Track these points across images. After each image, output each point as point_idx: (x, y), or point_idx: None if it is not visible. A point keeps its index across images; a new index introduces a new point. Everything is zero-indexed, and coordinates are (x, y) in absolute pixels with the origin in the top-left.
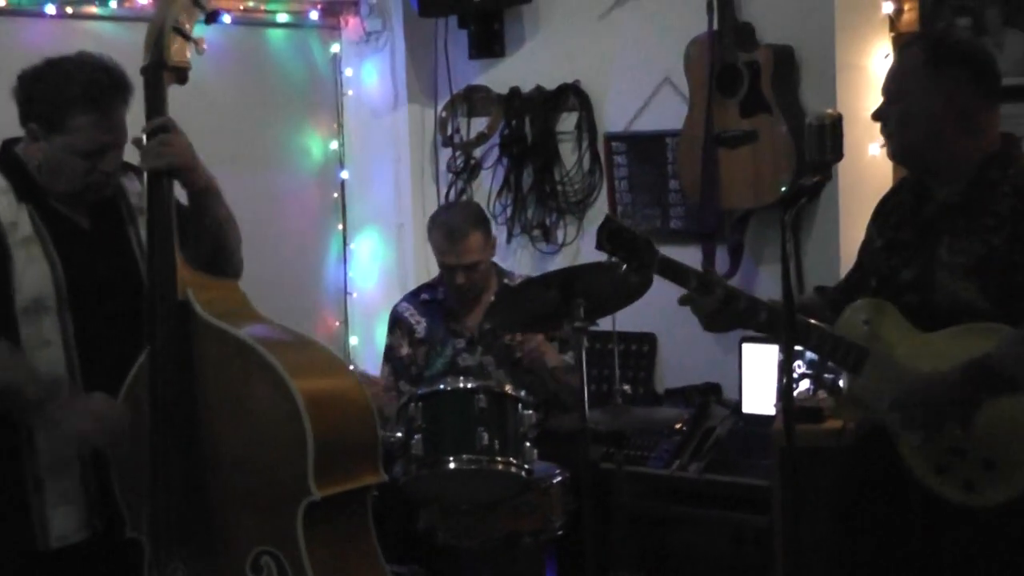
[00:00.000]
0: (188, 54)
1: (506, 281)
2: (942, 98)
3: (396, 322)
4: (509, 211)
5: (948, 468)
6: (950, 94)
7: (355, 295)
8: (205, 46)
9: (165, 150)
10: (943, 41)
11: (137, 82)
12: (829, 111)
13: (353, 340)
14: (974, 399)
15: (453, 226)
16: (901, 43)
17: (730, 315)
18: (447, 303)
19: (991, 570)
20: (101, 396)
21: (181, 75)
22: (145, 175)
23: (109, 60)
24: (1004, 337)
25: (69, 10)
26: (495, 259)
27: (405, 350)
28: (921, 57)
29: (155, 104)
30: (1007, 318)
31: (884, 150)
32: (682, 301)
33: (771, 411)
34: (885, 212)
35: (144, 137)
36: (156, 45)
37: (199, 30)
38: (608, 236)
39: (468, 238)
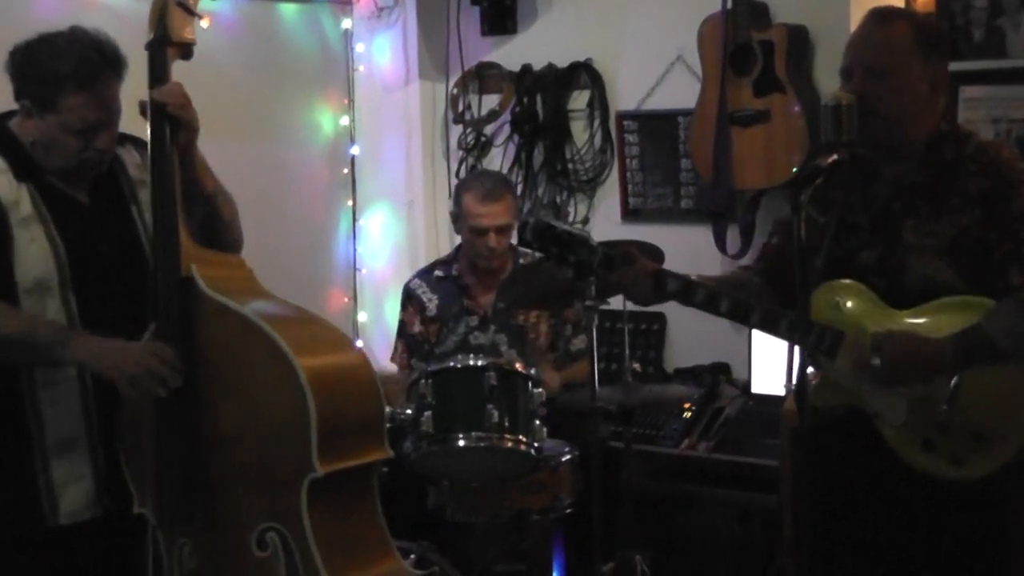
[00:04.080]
0: (193, 29)
1: (521, 261)
2: (927, 80)
3: (408, 299)
4: (520, 189)
5: (934, 444)
6: (934, 78)
7: (364, 271)
8: (208, 23)
9: (194, 112)
10: (927, 23)
11: (142, 55)
12: (845, 92)
13: (362, 316)
14: (960, 369)
15: (488, 188)
16: (874, 15)
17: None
18: (461, 280)
19: (974, 537)
20: (125, 343)
21: (186, 51)
22: (147, 147)
23: (102, 35)
24: (993, 310)
25: None
26: None
27: (417, 327)
28: (910, 35)
29: (159, 80)
30: (982, 295)
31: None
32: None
33: (780, 391)
34: (822, 188)
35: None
36: (160, 21)
37: (209, 5)
38: (534, 233)
39: (502, 199)
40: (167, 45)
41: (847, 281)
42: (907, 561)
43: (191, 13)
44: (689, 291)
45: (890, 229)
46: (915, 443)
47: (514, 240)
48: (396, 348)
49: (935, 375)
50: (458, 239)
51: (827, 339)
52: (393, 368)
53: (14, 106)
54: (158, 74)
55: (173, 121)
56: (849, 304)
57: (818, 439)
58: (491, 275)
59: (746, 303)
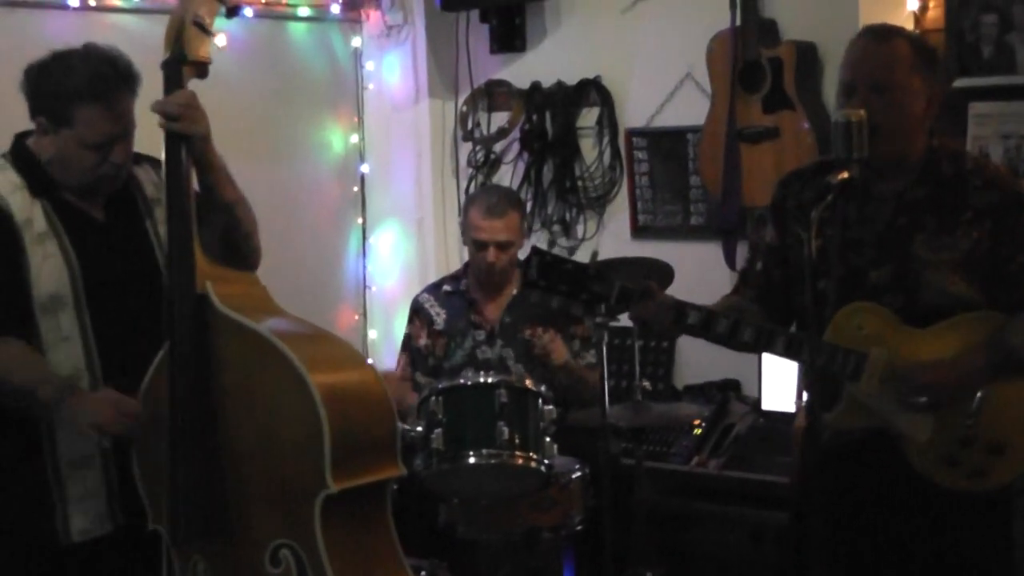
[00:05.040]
0: (209, 48)
1: None
2: (925, 97)
3: (416, 312)
4: (529, 206)
5: (957, 459)
6: (931, 95)
7: (374, 289)
8: (224, 43)
9: (200, 117)
10: (922, 41)
11: (155, 74)
12: (855, 109)
13: (372, 334)
14: (991, 380)
15: (492, 202)
16: (871, 32)
17: (693, 332)
18: (469, 295)
19: (983, 545)
20: (108, 390)
21: (201, 70)
22: (163, 166)
23: (115, 51)
24: (1017, 320)
25: (92, 2)
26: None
27: (423, 340)
28: (909, 52)
29: None
30: (999, 308)
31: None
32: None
33: (791, 408)
34: (808, 208)
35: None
36: (176, 40)
37: (220, 24)
38: (540, 271)
39: (506, 215)
40: (183, 64)
41: (866, 303)
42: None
43: (207, 32)
44: (710, 322)
45: (899, 246)
46: (939, 460)
47: (523, 253)
48: (399, 361)
49: (970, 391)
50: (467, 255)
51: (851, 363)
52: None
53: (30, 125)
54: (174, 92)
55: (183, 137)
56: (870, 326)
57: (837, 461)
58: (497, 289)
59: (770, 330)
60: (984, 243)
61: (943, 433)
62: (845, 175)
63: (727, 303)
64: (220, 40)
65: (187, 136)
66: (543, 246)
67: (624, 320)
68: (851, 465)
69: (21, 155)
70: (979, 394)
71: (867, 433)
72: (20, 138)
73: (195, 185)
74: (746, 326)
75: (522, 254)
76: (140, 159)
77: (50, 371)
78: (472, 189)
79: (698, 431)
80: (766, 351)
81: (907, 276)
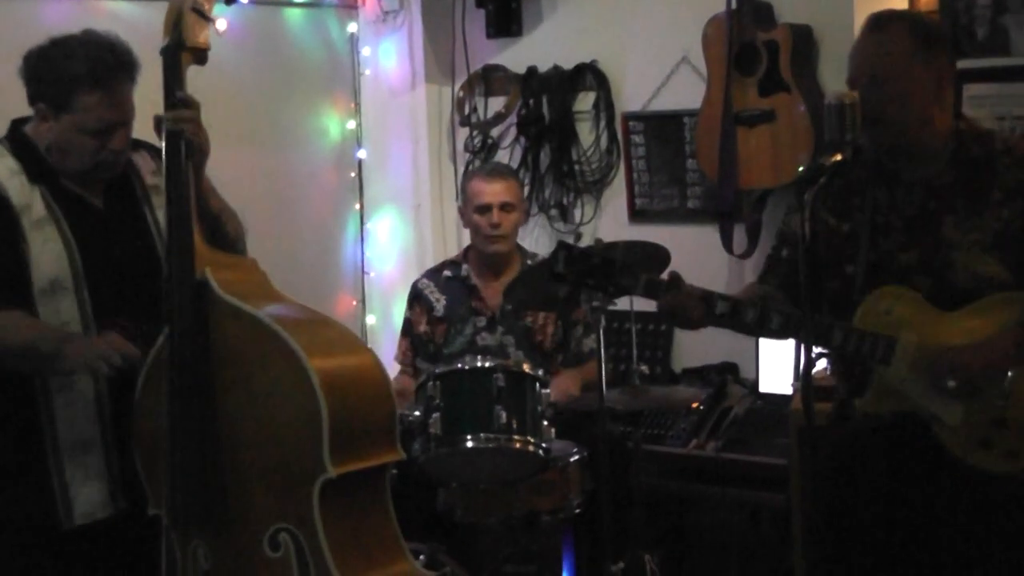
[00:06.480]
0: (208, 35)
1: (529, 262)
2: (933, 80)
3: (416, 298)
4: (527, 191)
5: (991, 441)
6: (939, 76)
7: (372, 275)
8: (224, 27)
9: (204, 133)
10: (924, 21)
11: (153, 61)
12: (849, 91)
13: (370, 319)
14: (1022, 362)
15: (491, 167)
16: (870, 22)
17: (721, 323)
18: (469, 281)
19: (1019, 528)
20: (108, 332)
21: (200, 56)
22: (163, 154)
23: (115, 37)
24: None
25: None
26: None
27: (423, 327)
28: (908, 37)
29: (174, 85)
30: None
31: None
32: (661, 310)
33: (788, 390)
34: (836, 195)
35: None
36: (175, 26)
37: (219, 10)
38: (566, 264)
39: (505, 178)
40: (182, 50)
41: (894, 287)
42: (961, 561)
43: (206, 19)
44: (739, 311)
45: (928, 229)
46: (972, 441)
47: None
48: (400, 346)
49: (1000, 373)
50: (467, 240)
51: (881, 347)
52: (396, 368)
53: (29, 112)
54: (174, 81)
55: (187, 141)
56: (899, 310)
57: (866, 444)
58: (499, 275)
59: (797, 317)
60: (1016, 223)
61: (975, 415)
62: (838, 157)
63: (752, 291)
64: (220, 24)
65: (195, 147)
66: (540, 232)
67: (621, 304)
68: (883, 447)
69: (19, 141)
70: (1010, 374)
71: (898, 416)
72: (17, 124)
73: None
74: (774, 314)
75: (522, 232)
76: (138, 145)
77: (47, 325)
78: None
79: (696, 414)
80: (794, 338)
81: (936, 258)
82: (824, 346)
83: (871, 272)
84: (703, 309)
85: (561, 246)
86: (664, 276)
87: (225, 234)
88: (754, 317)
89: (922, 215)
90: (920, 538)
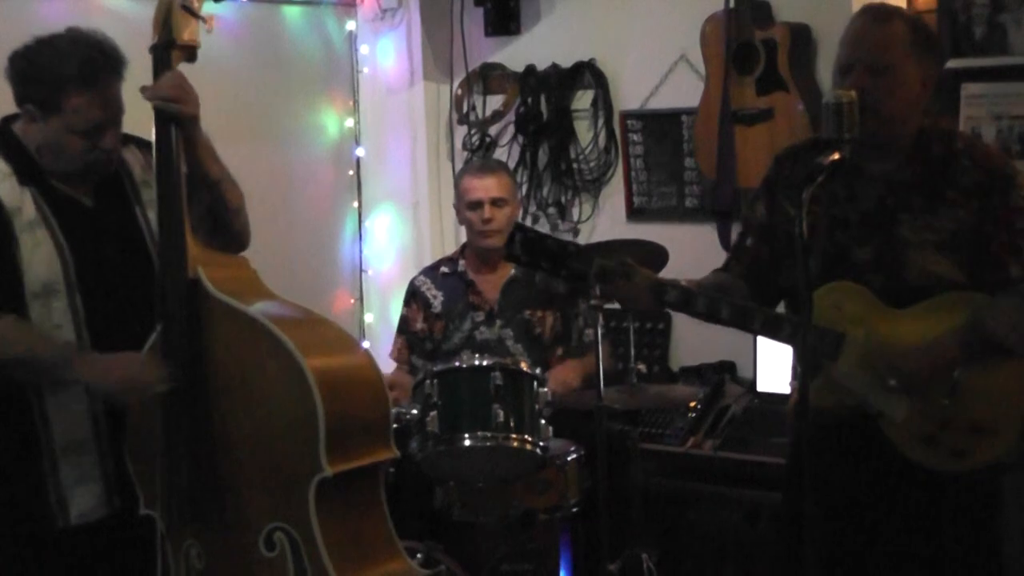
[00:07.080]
0: (197, 32)
1: None
2: (920, 80)
3: (413, 295)
4: (525, 189)
5: (936, 439)
6: (927, 77)
7: (370, 272)
8: (214, 24)
9: (191, 97)
10: (921, 22)
11: (144, 60)
12: (847, 90)
13: (368, 317)
14: (967, 363)
15: (481, 163)
16: (870, 12)
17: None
18: (466, 276)
19: (971, 529)
20: (126, 354)
21: (190, 53)
22: (152, 148)
23: (101, 35)
24: (994, 304)
25: None
26: None
27: (420, 324)
28: (907, 34)
29: None
30: (981, 289)
31: None
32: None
33: (786, 389)
34: (797, 186)
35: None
36: (165, 23)
37: (208, 8)
38: (522, 246)
39: (497, 173)
40: (172, 47)
41: (846, 282)
42: (909, 557)
43: (195, 15)
44: (689, 300)
45: (884, 225)
46: (917, 439)
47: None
48: (395, 343)
49: (945, 374)
50: (464, 238)
51: (829, 342)
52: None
53: (15, 110)
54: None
55: (175, 119)
56: (849, 305)
57: (820, 441)
58: (495, 269)
59: (748, 308)
60: (968, 222)
61: (921, 413)
62: (836, 156)
63: (713, 279)
64: (212, 6)
65: (180, 118)
66: (539, 228)
67: None
68: (833, 445)
69: (8, 142)
70: (955, 374)
71: (846, 412)
72: (7, 122)
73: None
74: (724, 304)
75: None
76: (127, 140)
77: (47, 335)
78: None
79: (694, 413)
80: (744, 329)
81: (890, 256)
82: (774, 338)
83: (826, 265)
84: (651, 299)
85: (517, 228)
86: (619, 263)
87: (225, 203)
88: (704, 307)
89: (879, 211)
90: (871, 533)
